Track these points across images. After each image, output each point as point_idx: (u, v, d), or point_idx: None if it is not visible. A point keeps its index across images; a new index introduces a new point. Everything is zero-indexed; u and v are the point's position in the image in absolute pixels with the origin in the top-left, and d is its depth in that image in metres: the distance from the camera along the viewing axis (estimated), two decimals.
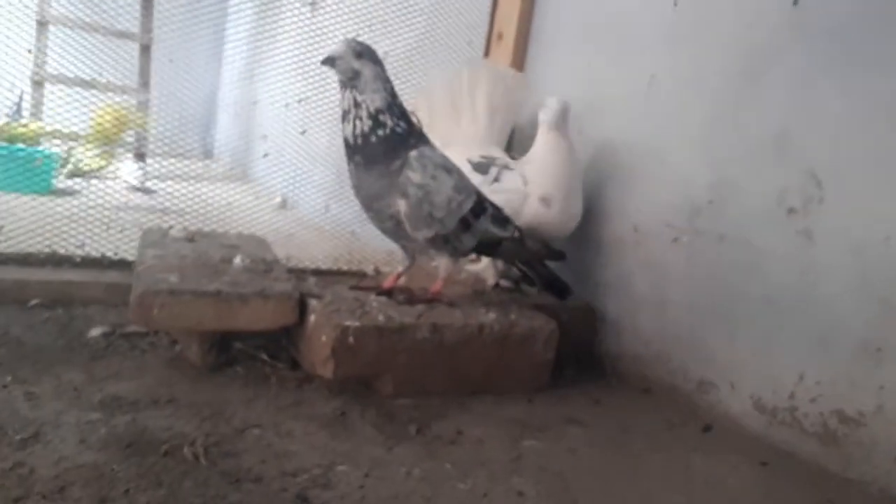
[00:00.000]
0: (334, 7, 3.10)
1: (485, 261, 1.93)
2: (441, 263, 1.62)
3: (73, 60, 3.82)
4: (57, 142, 3.38)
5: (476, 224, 1.58)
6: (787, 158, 1.52)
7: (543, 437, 1.39)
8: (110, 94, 3.78)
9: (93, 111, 3.21)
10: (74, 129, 3.40)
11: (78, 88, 3.69)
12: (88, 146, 3.18)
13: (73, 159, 3.41)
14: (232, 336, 1.52)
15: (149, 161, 3.73)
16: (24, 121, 3.51)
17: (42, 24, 3.70)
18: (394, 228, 1.56)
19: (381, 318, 1.47)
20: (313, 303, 1.49)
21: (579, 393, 1.67)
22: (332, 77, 2.87)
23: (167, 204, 2.25)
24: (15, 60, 3.33)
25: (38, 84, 3.68)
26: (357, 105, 1.47)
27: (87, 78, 3.74)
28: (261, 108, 3.88)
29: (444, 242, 1.56)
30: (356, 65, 1.47)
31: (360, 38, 1.53)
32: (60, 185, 3.14)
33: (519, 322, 1.62)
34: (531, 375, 1.64)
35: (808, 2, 1.51)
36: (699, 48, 1.74)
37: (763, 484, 1.33)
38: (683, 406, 1.66)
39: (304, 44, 3.13)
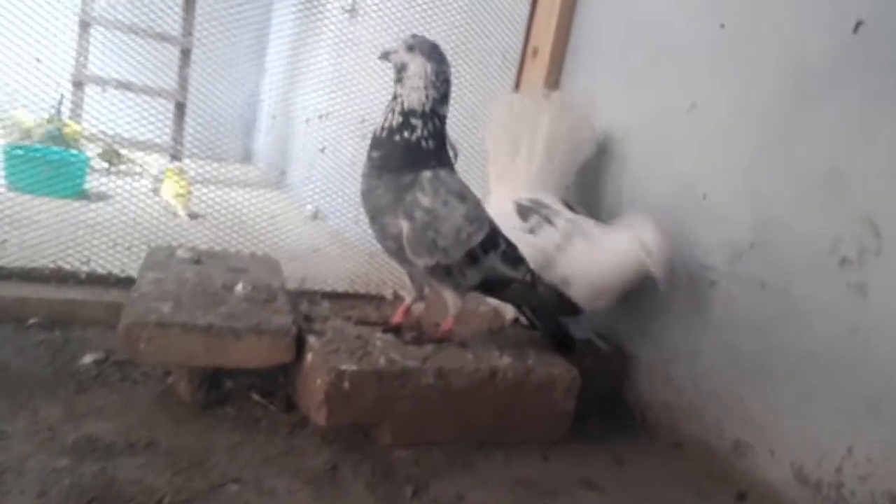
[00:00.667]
0: (372, 15, 3.03)
1: None
2: (448, 298, 1.50)
3: (114, 62, 3.85)
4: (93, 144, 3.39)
5: (484, 259, 1.43)
6: (841, 201, 1.36)
7: None
8: (146, 96, 3.79)
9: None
10: (112, 130, 3.42)
11: (116, 91, 3.71)
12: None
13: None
14: (224, 372, 1.43)
15: (186, 161, 3.74)
16: (63, 122, 3.52)
17: (84, 25, 3.70)
18: (395, 250, 1.44)
19: (382, 361, 1.35)
20: (311, 340, 1.39)
21: (601, 448, 1.53)
22: (365, 87, 2.83)
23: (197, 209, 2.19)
24: (57, 61, 3.33)
25: (78, 85, 3.69)
26: (395, 98, 1.39)
27: (126, 80, 3.76)
28: (298, 115, 3.83)
29: (446, 274, 1.43)
30: (406, 58, 1.38)
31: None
32: (92, 189, 3.12)
33: (536, 368, 1.49)
34: (548, 427, 1.50)
35: (868, 29, 1.34)
36: (745, 74, 1.58)
37: None
38: (717, 468, 1.51)
39: (341, 52, 3.07)
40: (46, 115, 3.44)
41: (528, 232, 1.67)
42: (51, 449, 1.13)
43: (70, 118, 3.62)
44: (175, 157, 3.71)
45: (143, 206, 2.44)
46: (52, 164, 3.06)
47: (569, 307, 1.61)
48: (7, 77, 2.84)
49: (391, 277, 2.08)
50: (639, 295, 1.71)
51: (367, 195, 1.43)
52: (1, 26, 2.86)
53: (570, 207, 1.77)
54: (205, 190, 2.90)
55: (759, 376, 1.49)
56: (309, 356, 1.36)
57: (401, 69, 1.38)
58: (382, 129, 1.39)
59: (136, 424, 1.26)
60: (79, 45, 3.68)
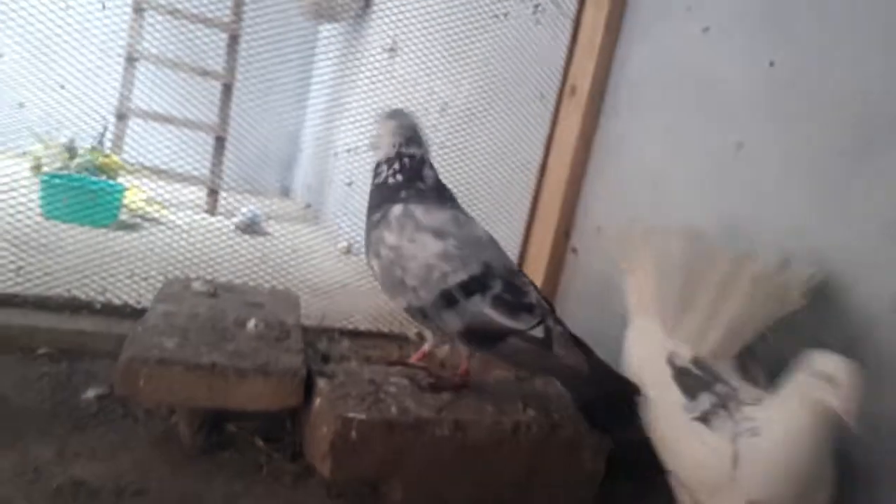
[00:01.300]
0: (410, 54, 3.02)
1: None
2: (428, 337, 1.45)
3: (158, 95, 3.90)
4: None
5: (465, 302, 1.26)
6: None
7: None
8: (187, 129, 3.83)
9: None
10: (152, 163, 3.44)
11: (156, 123, 3.75)
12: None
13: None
14: (228, 415, 1.35)
15: (223, 195, 3.75)
16: (105, 152, 3.56)
17: (131, 60, 3.77)
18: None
19: (394, 409, 1.25)
20: (321, 383, 1.30)
21: None
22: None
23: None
24: (102, 93, 3.38)
25: (121, 117, 3.74)
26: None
27: (167, 114, 3.81)
28: (336, 150, 3.82)
29: (423, 317, 1.33)
30: (377, 129, 1.49)
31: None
32: (126, 219, 3.12)
33: (563, 424, 1.37)
34: (574, 490, 1.38)
35: None
36: (798, 116, 1.46)
37: None
38: None
39: (377, 88, 3.05)
40: (89, 146, 3.49)
41: (698, 417, 1.16)
42: (32, 495, 1.06)
43: (111, 149, 3.67)
44: (212, 189, 3.73)
45: (172, 237, 2.40)
46: (87, 193, 3.08)
47: (610, 386, 1.27)
48: (52, 108, 2.88)
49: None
50: None
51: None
52: (51, 59, 2.92)
53: (747, 381, 1.23)
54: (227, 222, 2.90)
55: None
56: (317, 401, 1.27)
57: (375, 140, 1.49)
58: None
59: (129, 468, 1.18)
60: (124, 78, 3.75)
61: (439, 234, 1.33)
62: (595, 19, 2.02)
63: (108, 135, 3.69)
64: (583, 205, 2.04)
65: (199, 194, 3.64)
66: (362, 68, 3.45)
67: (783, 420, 1.07)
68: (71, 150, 3.33)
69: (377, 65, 3.27)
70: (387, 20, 2.62)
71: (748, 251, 1.39)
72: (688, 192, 1.72)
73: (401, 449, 1.23)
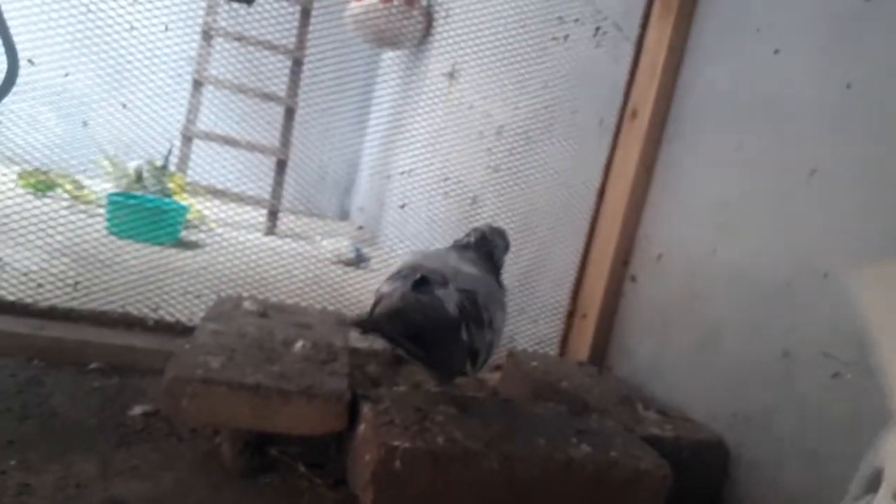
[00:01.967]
0: (469, 79, 3.01)
1: None
2: None
3: (222, 118, 4.00)
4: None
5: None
6: None
7: None
8: (248, 152, 3.90)
9: None
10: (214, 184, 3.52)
11: (218, 145, 3.83)
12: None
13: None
14: (271, 438, 1.32)
15: (281, 216, 3.80)
16: (169, 172, 3.66)
17: (198, 84, 3.88)
18: None
19: (440, 439, 1.20)
20: (365, 409, 1.26)
21: None
22: (451, 145, 2.78)
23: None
24: (167, 117, 3.48)
25: (187, 139, 3.84)
26: None
27: (231, 136, 3.90)
28: (394, 173, 3.83)
29: None
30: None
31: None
32: (187, 238, 3.18)
33: (621, 461, 1.29)
34: None
35: None
36: (877, 141, 1.37)
37: None
38: None
39: (435, 111, 3.05)
40: (156, 164, 3.59)
41: None
42: None
43: (177, 170, 3.76)
44: (272, 211, 3.78)
45: (229, 256, 2.42)
46: (153, 212, 3.16)
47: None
48: (120, 131, 2.97)
49: None
50: (747, 376, 1.49)
51: None
52: (120, 85, 3.02)
53: None
54: (294, 245, 2.91)
55: None
56: (361, 426, 1.23)
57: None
58: None
59: (170, 488, 1.16)
60: (190, 102, 3.85)
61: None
62: (658, 42, 1.96)
63: (173, 156, 3.79)
64: (643, 232, 1.97)
65: (253, 213, 3.68)
66: (421, 93, 3.47)
67: None
68: (139, 173, 3.43)
69: (436, 89, 3.27)
70: (447, 46, 2.62)
71: None
72: (755, 219, 1.63)
73: (446, 481, 1.17)
